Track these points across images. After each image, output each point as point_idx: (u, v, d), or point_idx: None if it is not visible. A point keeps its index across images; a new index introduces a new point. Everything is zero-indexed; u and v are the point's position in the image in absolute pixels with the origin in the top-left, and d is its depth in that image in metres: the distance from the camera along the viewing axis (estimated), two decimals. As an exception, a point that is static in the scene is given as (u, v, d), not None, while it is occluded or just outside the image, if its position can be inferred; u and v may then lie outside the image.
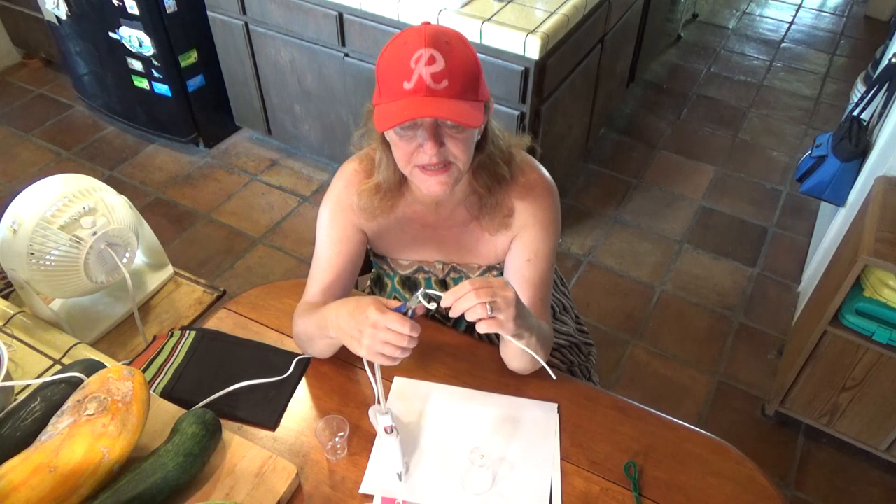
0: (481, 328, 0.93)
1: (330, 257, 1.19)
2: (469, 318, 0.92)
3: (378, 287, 1.38)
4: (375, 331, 0.92)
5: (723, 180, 3.02)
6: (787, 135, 3.30)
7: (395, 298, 1.34)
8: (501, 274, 1.24)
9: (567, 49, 2.21)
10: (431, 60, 0.92)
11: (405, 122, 0.95)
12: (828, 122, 3.36)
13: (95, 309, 1.50)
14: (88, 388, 0.97)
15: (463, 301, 0.91)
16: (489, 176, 1.11)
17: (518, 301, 0.95)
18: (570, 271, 2.57)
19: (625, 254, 2.65)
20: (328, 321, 1.02)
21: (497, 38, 2.04)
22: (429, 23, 0.97)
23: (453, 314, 0.92)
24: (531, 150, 1.21)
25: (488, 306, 0.91)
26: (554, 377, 1.06)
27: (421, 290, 0.94)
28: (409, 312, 0.94)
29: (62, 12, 2.74)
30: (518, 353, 1.10)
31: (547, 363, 1.18)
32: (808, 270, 2.49)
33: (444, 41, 0.94)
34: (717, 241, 2.72)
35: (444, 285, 1.28)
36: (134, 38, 2.63)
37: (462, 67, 0.95)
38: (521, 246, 1.17)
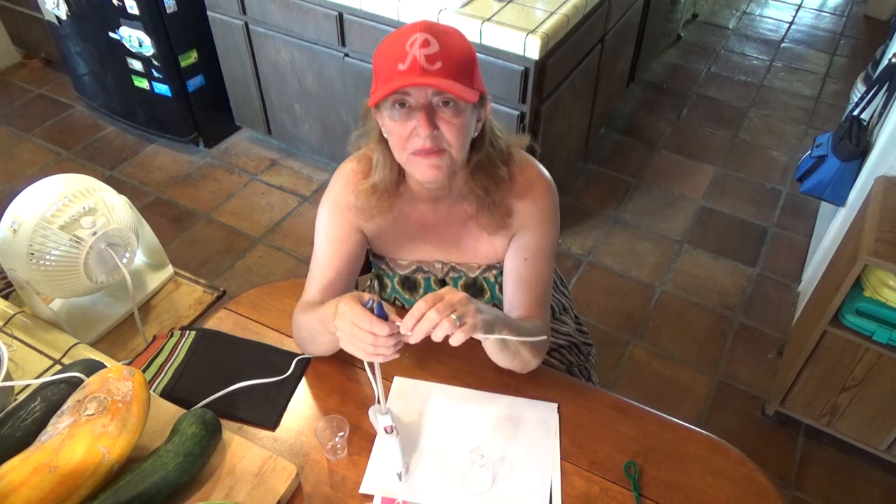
0: (455, 340, 0.91)
1: (329, 256, 1.19)
2: (436, 336, 0.90)
3: (379, 287, 1.38)
4: (351, 328, 0.92)
5: (723, 180, 3.02)
6: (787, 135, 3.30)
7: (395, 299, 1.34)
8: (501, 273, 1.24)
9: (567, 49, 2.21)
10: (426, 43, 0.94)
11: (397, 91, 0.95)
12: (828, 122, 3.36)
13: (95, 309, 1.50)
14: (88, 388, 0.97)
15: (425, 322, 0.89)
16: (487, 177, 1.11)
17: (471, 299, 0.94)
18: (570, 271, 2.57)
19: (625, 254, 2.65)
20: (329, 316, 1.02)
21: (497, 38, 2.04)
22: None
23: (415, 340, 0.90)
24: (530, 150, 1.21)
25: (455, 318, 0.90)
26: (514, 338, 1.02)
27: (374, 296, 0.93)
28: (374, 307, 0.92)
29: (62, 12, 2.74)
30: (500, 349, 1.08)
31: (543, 361, 1.18)
32: (808, 270, 2.49)
33: (440, 29, 0.96)
34: (717, 241, 2.72)
35: (443, 285, 1.28)
36: (134, 38, 2.63)
37: (457, 53, 0.96)
38: (519, 245, 1.17)
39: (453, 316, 0.90)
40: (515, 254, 1.17)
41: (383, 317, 0.92)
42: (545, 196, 1.17)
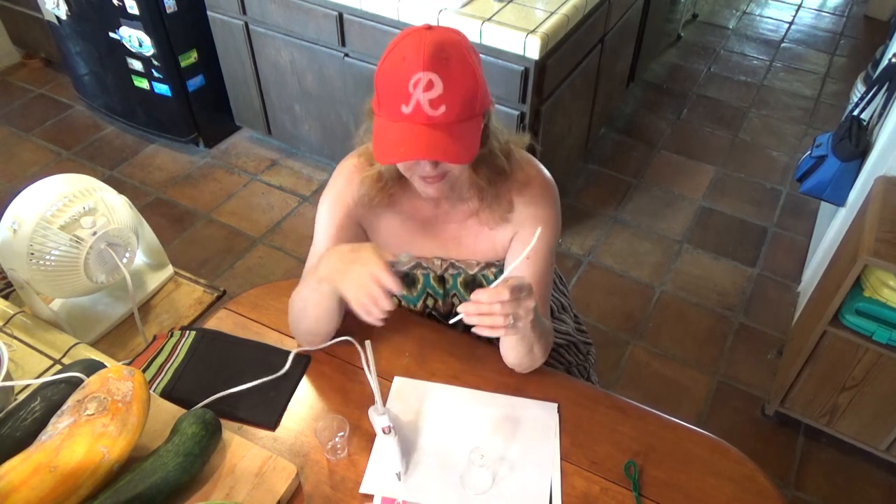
0: (485, 333, 0.95)
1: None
2: (482, 331, 0.94)
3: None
4: (362, 268, 0.97)
5: (723, 180, 3.02)
6: (787, 135, 3.30)
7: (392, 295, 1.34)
8: (501, 271, 1.24)
9: (567, 49, 2.21)
10: (429, 86, 0.92)
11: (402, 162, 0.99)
12: (828, 122, 3.36)
13: (95, 309, 1.50)
14: (88, 388, 0.97)
15: (487, 319, 0.93)
16: (489, 168, 1.12)
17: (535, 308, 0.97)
18: (570, 271, 2.57)
19: (625, 254, 2.65)
20: (321, 268, 1.05)
21: (497, 38, 2.04)
22: (430, 26, 0.96)
23: (477, 328, 0.94)
24: (531, 149, 1.21)
25: (511, 318, 0.93)
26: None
27: (408, 256, 1.00)
28: (399, 268, 0.98)
29: (62, 12, 2.74)
30: (517, 344, 1.11)
31: (546, 361, 1.19)
32: (808, 270, 2.49)
33: (442, 58, 0.93)
34: (717, 241, 2.72)
35: (442, 281, 1.28)
36: (134, 38, 2.63)
37: (461, 89, 0.94)
38: (520, 244, 1.17)
39: (511, 320, 0.93)
40: (515, 253, 1.17)
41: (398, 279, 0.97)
42: (546, 195, 1.17)
